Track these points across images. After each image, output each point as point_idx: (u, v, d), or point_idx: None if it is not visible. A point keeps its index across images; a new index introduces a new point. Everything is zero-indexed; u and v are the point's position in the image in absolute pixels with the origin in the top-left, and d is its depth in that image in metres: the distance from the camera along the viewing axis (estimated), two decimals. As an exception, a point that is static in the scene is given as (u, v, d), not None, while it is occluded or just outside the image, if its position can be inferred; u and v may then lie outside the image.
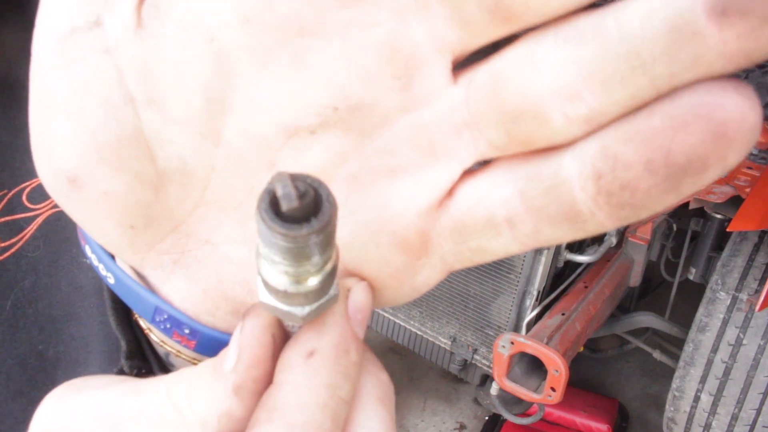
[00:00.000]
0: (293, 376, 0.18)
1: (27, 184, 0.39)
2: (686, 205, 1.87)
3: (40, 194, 0.39)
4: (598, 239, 2.15)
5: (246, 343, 0.19)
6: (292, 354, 0.19)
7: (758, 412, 1.77)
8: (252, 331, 0.19)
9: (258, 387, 0.19)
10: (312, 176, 0.16)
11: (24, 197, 0.39)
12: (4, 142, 0.38)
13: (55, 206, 0.40)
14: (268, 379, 0.19)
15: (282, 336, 0.20)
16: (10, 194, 0.38)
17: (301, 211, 0.16)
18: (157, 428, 0.19)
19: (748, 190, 1.71)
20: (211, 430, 0.19)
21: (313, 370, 0.18)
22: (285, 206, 0.15)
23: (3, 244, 0.38)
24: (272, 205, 0.16)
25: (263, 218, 0.16)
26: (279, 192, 0.15)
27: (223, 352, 0.20)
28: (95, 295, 0.42)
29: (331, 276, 0.18)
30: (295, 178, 0.16)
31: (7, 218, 0.38)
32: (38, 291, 0.40)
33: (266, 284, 0.18)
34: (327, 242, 0.17)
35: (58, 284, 0.40)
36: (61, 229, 0.40)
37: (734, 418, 1.82)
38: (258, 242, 0.17)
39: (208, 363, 0.20)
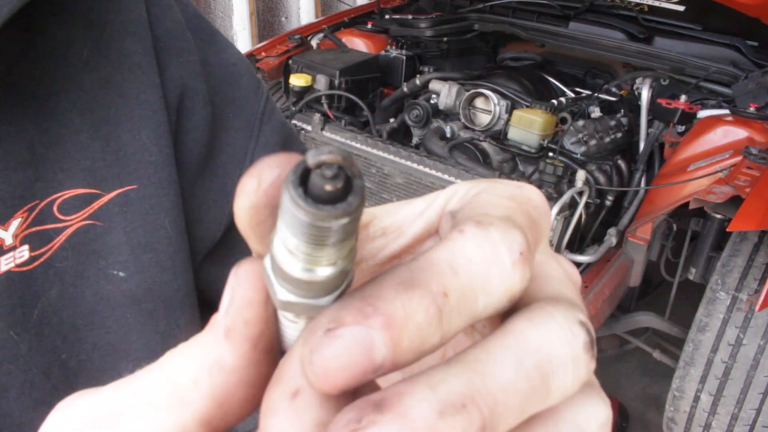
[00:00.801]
0: (278, 419, 0.16)
1: (58, 195, 0.39)
2: (686, 205, 1.87)
3: (71, 206, 0.40)
4: (598, 239, 2.15)
5: (238, 285, 0.18)
6: (275, 395, 0.17)
7: (758, 412, 1.77)
8: (246, 274, 0.18)
9: (250, 331, 0.18)
10: (347, 160, 0.15)
11: (55, 208, 0.39)
12: (39, 153, 0.38)
13: (86, 219, 0.40)
14: (260, 326, 0.18)
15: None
16: (42, 204, 0.39)
17: (331, 193, 0.15)
18: (152, 406, 0.19)
19: (748, 190, 1.71)
20: (203, 387, 0.18)
21: (299, 411, 0.16)
22: (318, 183, 0.15)
23: (33, 254, 0.38)
24: (302, 180, 0.15)
25: (290, 189, 0.15)
26: (312, 163, 0.15)
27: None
28: (125, 306, 0.42)
29: (342, 275, 0.17)
30: (330, 160, 0.15)
31: (38, 228, 0.38)
32: (63, 301, 0.40)
33: (277, 270, 0.17)
34: (349, 232, 0.16)
35: (83, 295, 0.41)
36: (89, 241, 0.41)
37: (734, 418, 1.82)
38: (278, 222, 0.16)
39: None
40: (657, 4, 2.70)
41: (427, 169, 2.05)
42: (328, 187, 0.15)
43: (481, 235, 0.17)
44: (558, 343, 0.17)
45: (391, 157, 2.12)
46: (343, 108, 2.53)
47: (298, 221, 0.15)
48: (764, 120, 2.06)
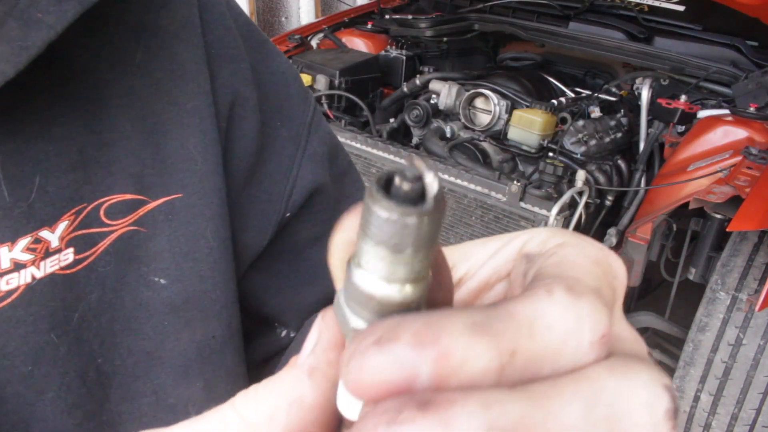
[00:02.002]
0: None
1: (106, 199, 0.39)
2: (686, 205, 1.87)
3: (117, 211, 0.40)
4: (598, 239, 2.15)
5: (326, 328, 0.19)
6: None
7: (758, 412, 1.77)
8: (332, 318, 0.19)
9: (333, 373, 0.18)
10: (430, 168, 0.16)
11: (102, 212, 0.39)
12: (88, 156, 0.38)
13: (130, 224, 0.40)
14: None
15: None
16: (89, 208, 0.39)
17: (410, 193, 0.15)
18: None
19: (748, 190, 1.71)
20: (279, 423, 0.18)
21: None
22: (398, 183, 0.15)
23: (77, 257, 0.38)
24: (385, 187, 0.16)
25: (372, 192, 0.15)
26: (397, 173, 0.15)
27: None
28: (163, 313, 0.42)
29: (415, 299, 0.17)
30: (410, 166, 0.16)
31: (84, 231, 0.38)
32: (103, 305, 0.40)
33: (351, 293, 0.17)
34: (428, 239, 0.16)
35: (122, 300, 0.41)
36: (132, 247, 0.41)
37: (734, 417, 1.82)
38: (358, 242, 0.17)
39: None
40: (657, 4, 2.70)
41: (427, 169, 2.05)
42: (406, 187, 0.15)
43: (569, 305, 0.16)
44: (637, 403, 0.16)
45: (391, 157, 2.12)
46: (343, 108, 2.53)
47: (379, 223, 0.16)
48: (764, 120, 2.06)
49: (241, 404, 0.19)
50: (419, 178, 0.16)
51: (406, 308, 0.17)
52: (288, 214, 0.50)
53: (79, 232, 0.38)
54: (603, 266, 0.18)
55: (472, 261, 0.21)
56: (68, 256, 0.38)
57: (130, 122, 0.40)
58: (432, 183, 0.16)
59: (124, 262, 0.40)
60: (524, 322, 0.16)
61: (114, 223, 0.40)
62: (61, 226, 0.37)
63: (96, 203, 0.39)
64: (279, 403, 0.18)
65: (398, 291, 0.16)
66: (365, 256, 0.16)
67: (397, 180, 0.16)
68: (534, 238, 0.20)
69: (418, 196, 0.16)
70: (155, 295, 0.42)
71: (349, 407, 0.18)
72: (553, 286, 0.16)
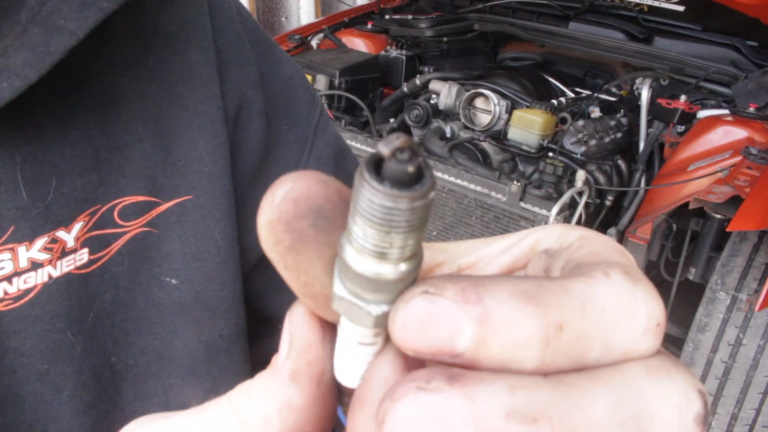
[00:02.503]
0: None
1: (120, 200, 0.40)
2: (686, 205, 1.87)
3: (131, 212, 0.41)
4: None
5: (296, 329, 0.19)
6: (362, 420, 0.17)
7: (758, 411, 1.78)
8: (300, 317, 0.19)
9: (314, 371, 0.19)
10: (416, 145, 0.16)
11: (116, 213, 0.40)
12: (102, 158, 0.39)
13: (143, 225, 0.41)
14: (321, 364, 0.19)
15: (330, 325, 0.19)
16: (104, 209, 0.39)
17: (409, 176, 0.15)
18: None
19: (748, 190, 1.71)
20: (274, 427, 0.19)
21: None
22: (394, 168, 0.15)
23: (92, 257, 0.39)
24: (376, 169, 0.16)
25: (365, 176, 0.15)
26: (386, 152, 0.15)
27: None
28: (174, 313, 0.43)
29: (408, 277, 0.17)
30: (403, 144, 0.15)
31: (99, 232, 0.39)
32: (117, 305, 0.41)
33: (345, 270, 0.17)
34: (421, 220, 0.16)
35: (135, 300, 0.41)
36: (145, 248, 0.41)
37: (734, 418, 1.82)
38: (349, 221, 0.17)
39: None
40: (657, 4, 2.70)
41: (427, 169, 2.05)
42: (410, 169, 0.15)
43: (628, 288, 0.16)
44: (668, 404, 0.16)
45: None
46: (343, 108, 2.53)
47: (372, 206, 0.15)
48: (764, 120, 2.06)
49: (236, 403, 0.20)
50: (413, 158, 0.15)
51: (401, 284, 0.17)
52: None
53: (94, 233, 0.39)
54: (627, 255, 0.18)
55: (473, 256, 0.21)
56: (83, 256, 0.38)
57: (143, 125, 0.41)
58: (423, 163, 0.16)
59: (137, 263, 0.41)
60: (577, 298, 0.15)
61: (127, 224, 0.40)
62: (77, 226, 0.38)
63: (110, 204, 0.39)
64: (270, 407, 0.19)
65: (393, 269, 0.16)
66: (359, 235, 0.16)
67: (393, 165, 0.15)
68: (549, 234, 0.20)
69: (410, 179, 0.15)
70: (166, 295, 0.42)
71: (349, 375, 0.19)
72: (609, 269, 0.16)
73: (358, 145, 2.20)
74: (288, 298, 0.19)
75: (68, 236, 0.37)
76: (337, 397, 0.20)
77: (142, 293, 0.42)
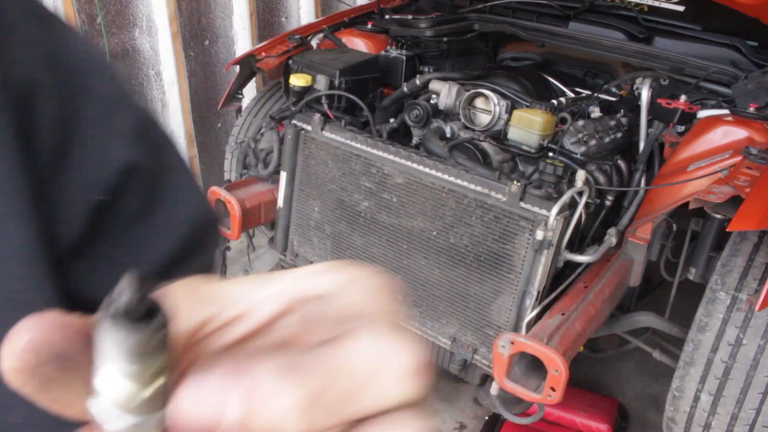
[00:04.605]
0: None
1: None
2: (686, 205, 1.87)
3: None
4: (598, 239, 2.15)
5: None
6: None
7: (758, 411, 1.77)
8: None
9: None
10: (143, 289, 0.18)
11: None
12: None
13: None
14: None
15: None
16: None
17: (146, 313, 0.18)
18: None
19: (748, 190, 1.71)
20: None
21: None
22: (124, 303, 0.17)
23: None
24: (113, 310, 0.18)
25: (108, 325, 0.17)
26: (122, 295, 0.18)
27: None
28: None
29: (158, 397, 0.18)
30: (132, 299, 0.18)
31: None
32: None
33: (110, 404, 0.18)
34: (165, 342, 0.18)
35: None
36: None
37: (734, 417, 1.82)
38: (99, 363, 0.18)
39: None
40: (657, 4, 2.70)
41: (427, 169, 2.05)
42: (130, 311, 0.17)
43: (376, 346, 0.18)
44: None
45: (391, 157, 2.12)
46: (343, 108, 2.53)
47: (124, 347, 0.17)
48: (764, 120, 2.06)
49: None
50: (143, 299, 0.18)
51: (162, 399, 0.18)
52: (102, 197, 0.48)
53: None
54: (389, 300, 0.21)
55: (252, 302, 0.22)
56: None
57: None
58: (153, 302, 0.18)
59: None
60: (328, 366, 0.18)
61: None
62: None
63: None
64: None
65: (151, 390, 0.18)
66: (116, 373, 0.18)
67: (121, 306, 0.17)
68: (318, 281, 0.21)
69: (153, 309, 0.18)
70: None
71: None
72: (360, 329, 0.18)
73: (358, 145, 2.19)
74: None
75: None
76: None
77: None
